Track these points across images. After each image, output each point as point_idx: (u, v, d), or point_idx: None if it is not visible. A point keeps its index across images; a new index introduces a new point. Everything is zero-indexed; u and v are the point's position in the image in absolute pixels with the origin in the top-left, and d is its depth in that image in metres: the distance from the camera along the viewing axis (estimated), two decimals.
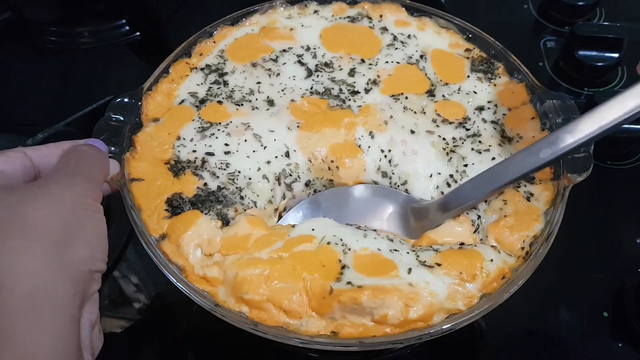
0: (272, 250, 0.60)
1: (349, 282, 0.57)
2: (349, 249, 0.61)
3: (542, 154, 0.59)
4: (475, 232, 0.63)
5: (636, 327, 0.70)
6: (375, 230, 0.65)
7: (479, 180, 0.63)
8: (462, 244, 0.62)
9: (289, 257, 0.59)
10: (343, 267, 0.59)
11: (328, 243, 0.61)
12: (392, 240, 0.62)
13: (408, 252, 0.61)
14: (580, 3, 1.06)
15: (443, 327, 0.55)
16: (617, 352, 0.70)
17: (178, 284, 0.58)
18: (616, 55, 0.95)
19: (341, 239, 0.61)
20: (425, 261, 0.60)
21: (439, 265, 0.59)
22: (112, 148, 0.65)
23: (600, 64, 0.96)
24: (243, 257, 0.60)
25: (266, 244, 0.60)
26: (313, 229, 0.62)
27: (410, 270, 0.58)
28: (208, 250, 0.60)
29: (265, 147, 0.69)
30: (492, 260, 0.59)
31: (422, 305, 0.55)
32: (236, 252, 0.60)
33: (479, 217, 0.64)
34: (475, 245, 0.62)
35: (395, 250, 0.61)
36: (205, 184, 0.66)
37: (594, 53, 0.96)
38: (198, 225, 0.61)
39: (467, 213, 0.64)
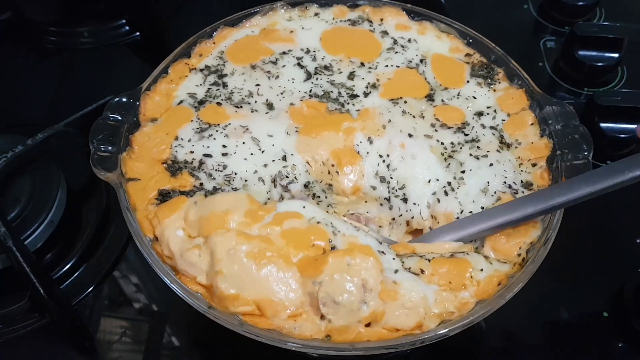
0: (262, 226, 0.60)
1: None
2: (339, 232, 0.61)
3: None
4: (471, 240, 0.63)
5: (636, 327, 0.70)
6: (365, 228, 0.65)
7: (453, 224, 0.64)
8: (452, 254, 0.62)
9: (280, 234, 0.59)
10: (333, 248, 0.59)
11: (318, 222, 0.61)
12: (380, 243, 0.63)
13: (394, 258, 0.61)
14: (580, 3, 1.06)
15: (437, 333, 0.55)
16: (617, 352, 0.70)
17: (172, 284, 0.58)
18: (616, 55, 0.95)
19: (331, 223, 0.62)
20: (409, 268, 0.60)
21: (423, 272, 0.59)
22: (109, 147, 0.65)
23: (600, 64, 0.96)
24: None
25: (255, 219, 0.60)
26: (304, 207, 0.62)
27: (396, 271, 0.59)
28: (190, 231, 0.61)
29: (263, 151, 0.69)
30: (482, 269, 0.59)
31: (401, 305, 0.56)
32: (215, 231, 0.59)
33: None
34: (467, 254, 0.61)
35: (382, 252, 0.61)
36: (201, 184, 0.66)
37: (594, 53, 0.96)
38: (182, 209, 0.61)
39: None
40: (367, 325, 0.57)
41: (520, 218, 0.61)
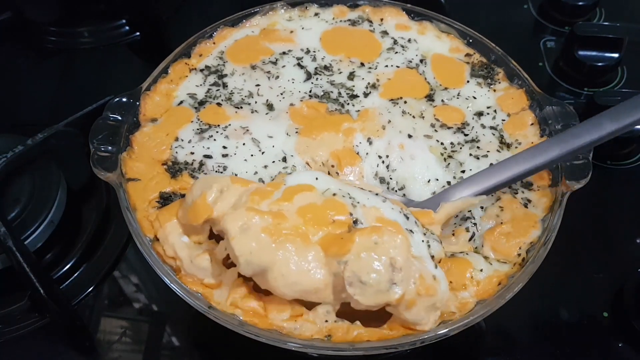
0: (272, 202, 0.56)
1: None
2: (358, 202, 0.57)
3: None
4: (470, 239, 0.63)
5: (636, 327, 0.70)
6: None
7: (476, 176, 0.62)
8: (452, 254, 0.62)
9: (296, 212, 0.55)
10: (355, 221, 0.56)
11: (334, 195, 0.57)
12: (407, 218, 0.59)
13: (423, 241, 0.57)
14: (580, 3, 1.06)
15: (437, 333, 0.55)
16: (617, 352, 0.70)
17: (172, 284, 0.58)
18: (616, 55, 0.95)
19: (349, 193, 0.58)
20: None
21: None
22: (109, 147, 0.65)
23: (600, 64, 0.96)
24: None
25: (263, 195, 0.56)
26: (317, 178, 0.59)
27: (436, 266, 0.56)
28: (196, 238, 0.60)
29: (263, 153, 0.69)
30: (481, 270, 0.59)
31: (433, 302, 0.54)
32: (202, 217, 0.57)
33: (474, 224, 0.64)
34: (467, 254, 0.61)
35: (410, 231, 0.57)
36: None
37: (594, 53, 0.96)
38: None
39: (461, 224, 0.64)
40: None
41: (544, 164, 0.58)
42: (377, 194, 0.60)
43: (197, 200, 0.57)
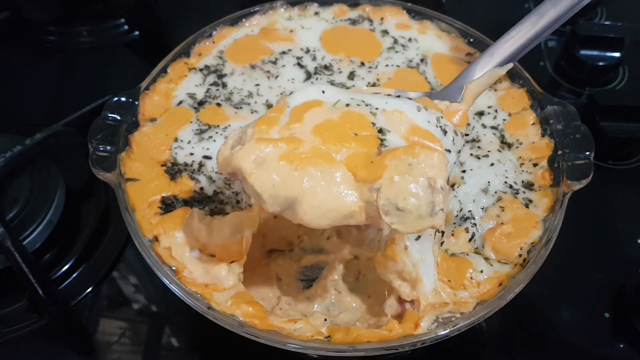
0: (281, 128, 0.50)
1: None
2: (377, 109, 0.51)
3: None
4: (470, 240, 0.63)
5: (637, 327, 0.69)
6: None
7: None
8: (453, 254, 0.62)
9: (312, 131, 0.49)
10: (380, 130, 0.50)
11: (347, 105, 0.51)
12: (429, 121, 0.52)
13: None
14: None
15: (438, 334, 0.55)
16: (618, 352, 0.70)
17: (171, 285, 0.58)
18: (617, 54, 0.95)
19: (363, 101, 0.52)
20: None
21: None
22: (108, 147, 0.65)
23: (601, 63, 0.95)
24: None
25: (270, 122, 0.50)
26: (323, 91, 0.52)
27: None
28: (207, 250, 0.60)
29: None
30: (482, 271, 0.59)
31: None
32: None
33: (474, 225, 0.64)
34: (467, 255, 0.61)
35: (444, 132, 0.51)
36: (202, 188, 0.66)
37: (595, 52, 0.96)
38: (188, 222, 0.61)
39: (461, 225, 0.63)
40: None
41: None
42: (395, 95, 0.54)
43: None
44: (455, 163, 0.52)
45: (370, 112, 0.51)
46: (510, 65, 0.60)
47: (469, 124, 0.70)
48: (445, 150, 0.51)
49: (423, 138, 0.50)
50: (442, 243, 0.60)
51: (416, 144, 0.48)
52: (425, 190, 0.47)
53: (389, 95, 0.54)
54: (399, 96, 0.54)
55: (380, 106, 0.51)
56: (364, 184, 0.47)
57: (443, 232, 0.61)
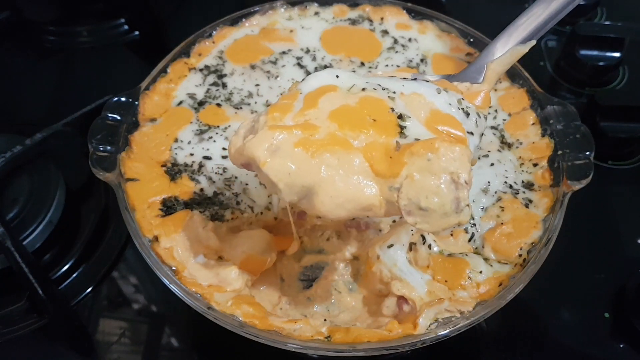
0: (295, 115, 0.48)
1: (417, 139, 0.46)
2: (394, 93, 0.49)
3: None
4: (470, 240, 0.63)
5: (637, 327, 0.69)
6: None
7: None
8: (450, 254, 0.62)
9: (328, 117, 0.47)
10: (400, 116, 0.48)
11: (363, 90, 0.49)
12: (449, 104, 0.49)
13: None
14: (582, 2, 1.05)
15: (438, 334, 0.55)
16: (618, 352, 0.70)
17: (171, 285, 0.58)
18: (617, 54, 0.95)
19: (379, 84, 0.50)
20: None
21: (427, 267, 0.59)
22: (108, 147, 0.65)
23: (601, 63, 0.95)
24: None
25: (283, 110, 0.48)
26: (338, 76, 0.50)
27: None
28: (212, 255, 0.60)
29: None
30: (481, 271, 0.59)
31: None
32: None
33: (473, 225, 0.64)
34: (466, 255, 0.61)
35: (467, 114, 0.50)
36: (202, 189, 0.66)
37: (595, 52, 0.96)
38: (189, 226, 0.61)
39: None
40: None
41: None
42: (412, 79, 0.52)
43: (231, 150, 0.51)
44: (477, 146, 0.50)
45: (388, 96, 0.49)
46: (534, 42, 0.57)
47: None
48: (468, 132, 0.49)
49: (444, 124, 0.48)
50: (411, 249, 0.60)
51: (434, 139, 0.45)
52: (448, 186, 0.45)
53: (405, 78, 0.53)
54: (415, 79, 0.53)
55: (397, 89, 0.50)
56: (383, 180, 0.45)
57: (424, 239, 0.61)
